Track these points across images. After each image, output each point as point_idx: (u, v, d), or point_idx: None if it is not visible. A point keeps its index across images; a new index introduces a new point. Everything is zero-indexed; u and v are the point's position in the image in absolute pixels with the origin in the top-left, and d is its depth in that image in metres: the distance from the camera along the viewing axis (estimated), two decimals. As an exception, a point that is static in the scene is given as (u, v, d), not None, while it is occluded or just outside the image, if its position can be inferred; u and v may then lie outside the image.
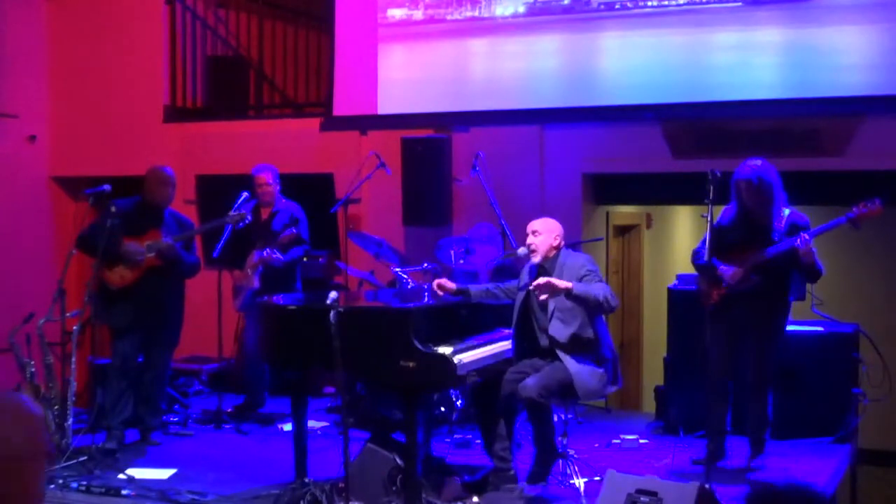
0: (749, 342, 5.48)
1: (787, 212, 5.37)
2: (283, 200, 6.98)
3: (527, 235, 5.25)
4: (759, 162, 5.38)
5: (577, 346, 5.06)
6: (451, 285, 5.32)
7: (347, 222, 7.31)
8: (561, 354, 5.03)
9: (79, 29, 9.32)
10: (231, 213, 6.37)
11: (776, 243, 5.29)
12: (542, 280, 4.97)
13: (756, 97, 6.81)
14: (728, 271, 5.40)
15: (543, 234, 5.21)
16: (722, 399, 5.54)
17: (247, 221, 6.40)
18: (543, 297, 5.01)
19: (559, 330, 5.08)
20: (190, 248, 6.42)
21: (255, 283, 6.72)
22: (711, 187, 5.00)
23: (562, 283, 4.93)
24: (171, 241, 6.18)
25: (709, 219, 5.11)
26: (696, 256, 5.53)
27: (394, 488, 4.90)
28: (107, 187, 6.08)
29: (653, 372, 8.47)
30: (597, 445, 6.21)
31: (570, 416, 5.53)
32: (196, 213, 7.97)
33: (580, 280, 5.04)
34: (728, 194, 5.46)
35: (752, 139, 7.03)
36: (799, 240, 5.16)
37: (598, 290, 4.96)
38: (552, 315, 5.12)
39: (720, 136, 7.24)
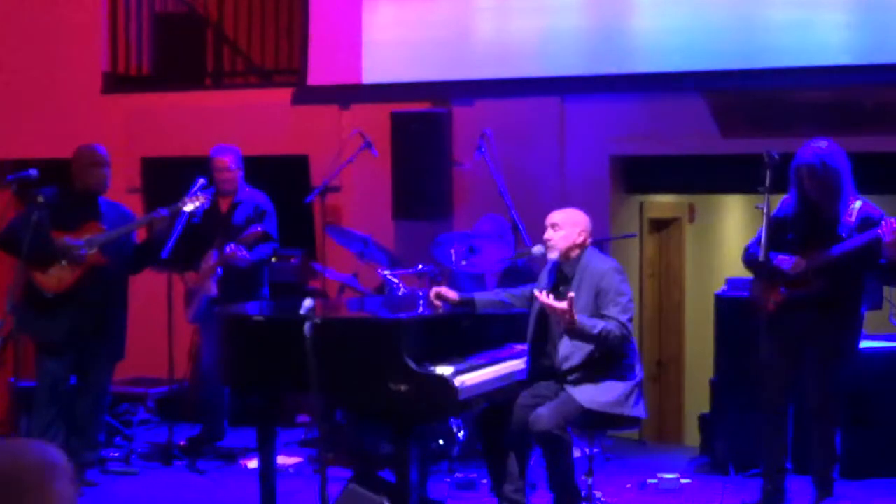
0: (812, 360, 5.47)
1: (857, 203, 5.36)
2: (247, 189, 6.99)
3: (545, 229, 5.25)
4: (824, 144, 5.38)
5: (592, 368, 5.05)
6: (452, 295, 5.30)
7: (325, 215, 7.32)
8: (567, 386, 5.02)
9: (-1, -19, 9.33)
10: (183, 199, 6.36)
11: (844, 240, 5.29)
12: (555, 304, 4.93)
13: (820, 63, 6.82)
14: (787, 262, 5.37)
15: (564, 228, 5.21)
16: (780, 430, 5.54)
17: (204, 208, 6.39)
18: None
19: (570, 347, 5.09)
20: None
21: (213, 290, 6.72)
22: (767, 172, 5.01)
23: (562, 308, 4.88)
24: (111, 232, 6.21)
25: (764, 210, 5.11)
26: (749, 254, 5.52)
27: (382, 538, 4.91)
28: (33, 172, 6.06)
29: (697, 397, 8.48)
30: (629, 486, 6.22)
31: (595, 450, 5.53)
32: (141, 204, 7.96)
33: (598, 293, 5.05)
34: (787, 181, 5.46)
35: (814, 114, 7.04)
36: (883, 223, 5.09)
37: (597, 323, 4.93)
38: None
39: (777, 111, 7.25)
